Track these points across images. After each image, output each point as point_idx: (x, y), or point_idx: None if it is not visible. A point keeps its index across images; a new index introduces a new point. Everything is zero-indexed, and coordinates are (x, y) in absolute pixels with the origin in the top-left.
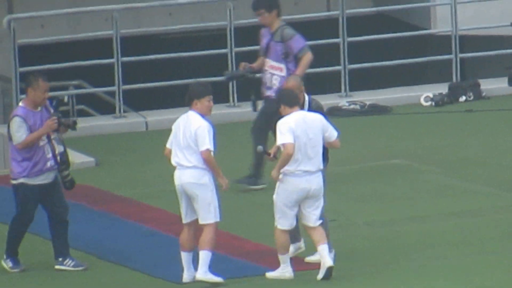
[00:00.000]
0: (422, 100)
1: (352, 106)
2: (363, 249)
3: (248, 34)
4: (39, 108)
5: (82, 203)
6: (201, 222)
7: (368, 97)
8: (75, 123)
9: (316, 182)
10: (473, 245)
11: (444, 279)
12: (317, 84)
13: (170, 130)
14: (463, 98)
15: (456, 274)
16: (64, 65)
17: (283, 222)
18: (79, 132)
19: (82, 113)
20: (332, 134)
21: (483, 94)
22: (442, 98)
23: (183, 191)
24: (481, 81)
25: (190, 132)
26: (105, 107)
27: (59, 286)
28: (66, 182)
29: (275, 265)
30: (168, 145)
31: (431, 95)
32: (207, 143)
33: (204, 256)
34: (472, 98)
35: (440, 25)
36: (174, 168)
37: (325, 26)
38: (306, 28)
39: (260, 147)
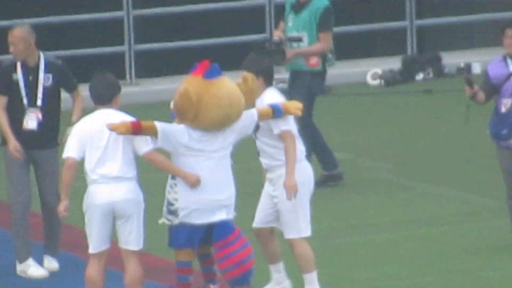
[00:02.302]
0: (368, 78)
1: (280, 85)
2: (293, 266)
3: None
4: None
5: None
6: (132, 248)
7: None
8: None
9: None
10: (431, 263)
11: None
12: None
13: None
14: (420, 76)
15: None
16: None
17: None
18: None
19: None
20: None
21: (445, 70)
22: (394, 75)
23: (111, 211)
24: (443, 54)
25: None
26: None
27: None
28: None
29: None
30: (72, 155)
31: (380, 72)
32: (148, 143)
33: None
34: (431, 75)
35: None
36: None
37: None
38: None
39: None
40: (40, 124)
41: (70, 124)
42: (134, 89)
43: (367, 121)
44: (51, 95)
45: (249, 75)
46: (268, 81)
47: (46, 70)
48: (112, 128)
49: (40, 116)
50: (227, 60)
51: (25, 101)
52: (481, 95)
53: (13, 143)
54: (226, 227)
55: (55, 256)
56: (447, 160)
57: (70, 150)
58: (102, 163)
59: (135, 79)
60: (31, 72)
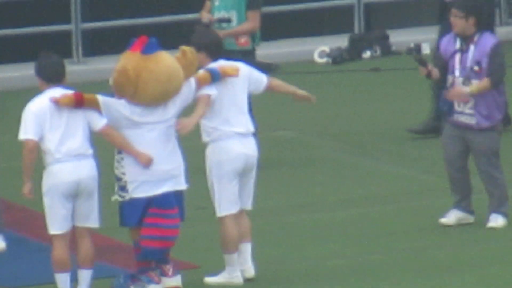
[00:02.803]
0: (316, 56)
1: None
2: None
3: None
4: None
5: None
6: (92, 225)
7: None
8: None
9: None
10: (378, 241)
11: (340, 283)
12: None
13: None
14: (367, 54)
15: (354, 276)
16: None
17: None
18: None
19: None
20: None
21: (393, 48)
22: (341, 53)
23: (76, 189)
24: (390, 32)
25: (78, 112)
26: None
27: None
28: None
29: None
30: (31, 136)
31: (327, 50)
32: (102, 118)
33: (90, 276)
34: (378, 53)
35: None
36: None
37: None
38: None
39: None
40: None
41: None
42: (81, 67)
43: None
44: None
45: (188, 48)
46: (212, 55)
47: None
48: (55, 100)
49: None
50: (170, 38)
51: None
52: (435, 72)
53: None
54: (168, 200)
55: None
56: (394, 139)
57: (28, 131)
58: (64, 141)
59: (82, 58)
60: None
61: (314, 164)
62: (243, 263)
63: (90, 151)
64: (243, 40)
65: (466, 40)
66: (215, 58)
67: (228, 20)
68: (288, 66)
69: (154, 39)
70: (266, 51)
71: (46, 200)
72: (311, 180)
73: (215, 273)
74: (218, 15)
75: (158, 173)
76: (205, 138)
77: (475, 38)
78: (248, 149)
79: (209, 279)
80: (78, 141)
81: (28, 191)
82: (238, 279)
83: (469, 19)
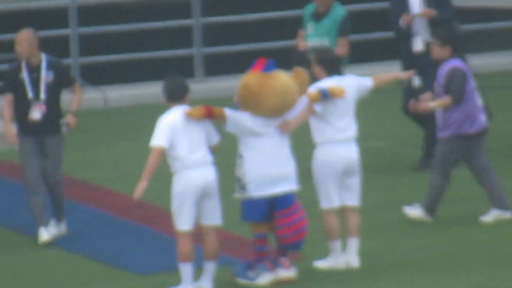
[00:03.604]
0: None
1: None
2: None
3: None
4: None
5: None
6: (217, 223)
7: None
8: None
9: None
10: (458, 235)
11: (429, 273)
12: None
13: (132, 107)
14: None
15: (441, 266)
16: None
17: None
18: None
19: None
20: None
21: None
22: None
23: (201, 191)
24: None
25: (201, 126)
26: None
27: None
28: None
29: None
30: (162, 143)
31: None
32: (218, 135)
33: (214, 267)
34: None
35: None
36: (139, 149)
37: None
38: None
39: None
40: (43, 115)
41: (70, 111)
42: (202, 86)
43: (394, 113)
44: (53, 90)
45: (301, 70)
46: (328, 70)
47: (47, 68)
48: (188, 113)
49: (43, 108)
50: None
51: (30, 95)
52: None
53: (10, 133)
54: (288, 199)
55: (61, 222)
56: None
57: (159, 138)
58: (193, 150)
59: (202, 78)
60: (34, 70)
61: (405, 171)
62: (349, 255)
63: (211, 158)
64: None
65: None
66: (331, 73)
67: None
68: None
69: (272, 60)
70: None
71: (176, 201)
72: (399, 182)
73: (321, 259)
74: (311, 42)
75: (273, 175)
76: (316, 139)
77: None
78: (351, 152)
79: (317, 263)
80: (203, 150)
81: (141, 190)
82: (341, 263)
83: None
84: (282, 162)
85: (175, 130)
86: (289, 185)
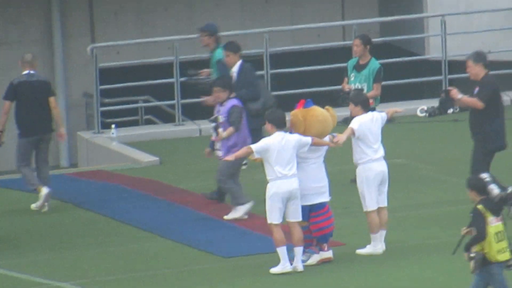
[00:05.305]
0: (418, 112)
1: None
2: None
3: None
4: None
5: (149, 193)
6: (298, 220)
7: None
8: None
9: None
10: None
11: (438, 256)
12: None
13: None
14: (451, 110)
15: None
16: (135, 84)
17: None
18: (146, 137)
19: (149, 122)
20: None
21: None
22: (434, 110)
23: (288, 196)
24: None
25: (292, 145)
26: (167, 117)
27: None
28: None
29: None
30: (257, 155)
31: (425, 108)
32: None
33: (301, 251)
34: (458, 110)
35: (433, 52)
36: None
37: (341, 53)
38: (326, 55)
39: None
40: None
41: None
42: None
43: (419, 138)
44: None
45: (330, 107)
46: (365, 108)
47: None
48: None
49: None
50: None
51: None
52: None
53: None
54: (321, 205)
55: (48, 186)
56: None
57: (258, 150)
58: (286, 165)
59: None
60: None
61: (419, 181)
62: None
63: (295, 172)
64: (370, 101)
65: None
66: (366, 111)
67: (361, 90)
68: (401, 118)
69: (310, 100)
70: (389, 107)
71: (269, 202)
72: (417, 190)
73: (362, 247)
74: (353, 86)
75: (315, 189)
76: (357, 161)
77: None
78: (384, 167)
79: (359, 251)
80: (293, 165)
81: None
82: (379, 250)
83: None
84: (321, 179)
85: (275, 149)
86: (324, 197)
